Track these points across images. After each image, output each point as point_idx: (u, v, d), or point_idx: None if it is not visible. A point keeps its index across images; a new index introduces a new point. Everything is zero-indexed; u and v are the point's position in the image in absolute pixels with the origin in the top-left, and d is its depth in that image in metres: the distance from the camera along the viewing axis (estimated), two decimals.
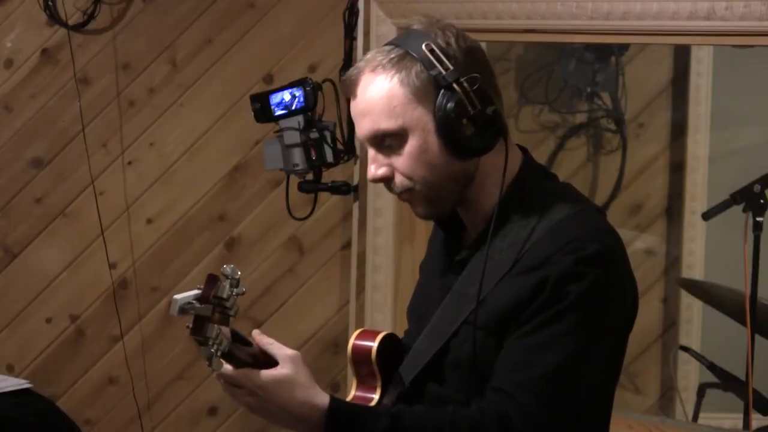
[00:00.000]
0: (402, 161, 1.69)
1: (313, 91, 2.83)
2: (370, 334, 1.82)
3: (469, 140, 1.66)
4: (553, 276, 1.62)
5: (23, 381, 2.80)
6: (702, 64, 3.66)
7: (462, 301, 1.72)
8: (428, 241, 1.95)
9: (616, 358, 1.74)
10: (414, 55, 1.67)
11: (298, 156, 2.88)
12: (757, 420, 2.94)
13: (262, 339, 1.75)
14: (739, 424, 2.94)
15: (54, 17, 3.45)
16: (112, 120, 3.50)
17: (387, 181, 1.72)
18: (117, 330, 3.53)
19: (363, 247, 3.28)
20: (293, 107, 2.84)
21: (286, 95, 2.85)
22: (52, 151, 3.54)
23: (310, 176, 2.95)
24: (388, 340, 1.82)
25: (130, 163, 3.51)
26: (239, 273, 1.63)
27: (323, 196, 3.20)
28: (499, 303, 1.66)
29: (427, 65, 1.66)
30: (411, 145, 1.68)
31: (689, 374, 3.63)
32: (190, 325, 1.58)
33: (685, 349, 3.33)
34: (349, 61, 3.27)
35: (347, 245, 3.38)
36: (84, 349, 3.58)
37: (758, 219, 2.82)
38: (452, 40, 1.69)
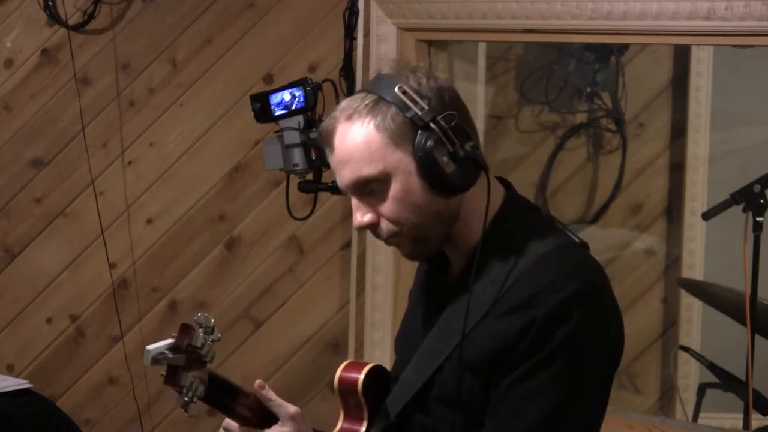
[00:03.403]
0: (386, 206, 1.69)
1: (313, 91, 2.82)
2: (357, 366, 1.83)
3: (451, 178, 1.65)
4: (540, 318, 1.62)
5: (23, 381, 2.80)
6: (702, 64, 3.66)
7: (446, 336, 1.72)
8: (416, 270, 1.95)
9: (603, 395, 1.71)
10: (387, 99, 1.66)
11: (298, 156, 2.88)
12: (757, 420, 2.94)
13: (264, 394, 1.76)
14: (739, 424, 2.94)
15: (54, 17, 3.46)
16: (112, 120, 3.50)
17: (373, 227, 1.72)
18: (117, 330, 3.53)
19: (363, 247, 3.28)
20: (293, 107, 2.84)
21: (286, 95, 2.85)
22: (52, 151, 3.54)
23: (310, 176, 2.95)
24: (375, 372, 1.83)
25: (130, 163, 3.51)
26: (213, 320, 1.65)
27: (323, 196, 3.19)
28: (485, 344, 1.66)
29: (402, 108, 1.65)
30: (394, 188, 1.67)
31: (689, 374, 3.63)
32: (164, 374, 1.61)
33: (685, 349, 3.32)
34: (349, 61, 3.27)
35: (347, 245, 3.38)
36: (84, 349, 3.58)
37: (758, 219, 2.82)
38: (423, 81, 1.68)
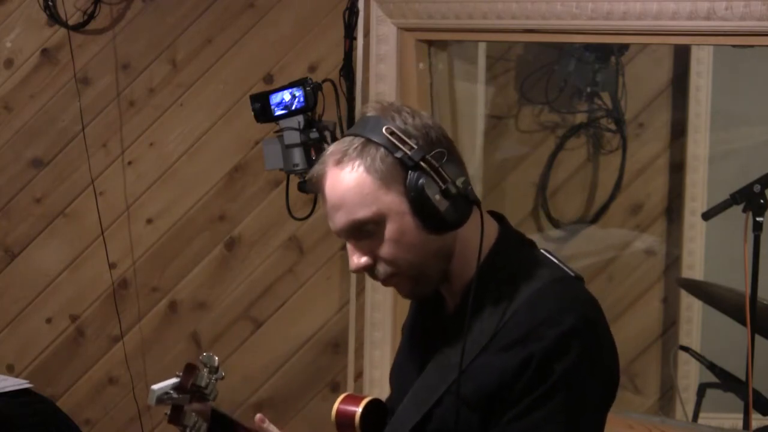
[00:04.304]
0: (382, 248, 1.69)
1: (313, 91, 2.83)
2: (355, 399, 1.83)
3: (445, 215, 1.65)
4: (537, 354, 1.61)
5: (23, 381, 2.80)
6: (702, 64, 3.66)
7: (444, 371, 1.71)
8: (410, 304, 1.94)
9: (600, 426, 1.72)
10: (375, 140, 1.66)
11: (298, 156, 2.88)
12: (757, 420, 2.94)
13: (266, 428, 1.78)
14: (739, 424, 2.94)
15: (54, 17, 3.46)
16: (112, 120, 3.50)
17: (370, 269, 1.72)
18: (117, 330, 3.53)
19: None
20: (293, 107, 2.84)
21: (286, 95, 2.85)
22: (52, 151, 3.54)
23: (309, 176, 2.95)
24: (372, 406, 1.83)
25: (130, 163, 3.51)
26: (217, 359, 1.68)
27: None
28: (483, 380, 1.66)
29: (391, 149, 1.66)
30: (389, 229, 1.67)
31: (689, 374, 3.63)
32: (168, 413, 1.64)
33: (685, 349, 3.32)
34: (349, 61, 3.27)
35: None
36: (84, 349, 3.58)
37: (758, 219, 2.81)
38: (409, 120, 1.69)
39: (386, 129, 1.66)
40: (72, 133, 3.52)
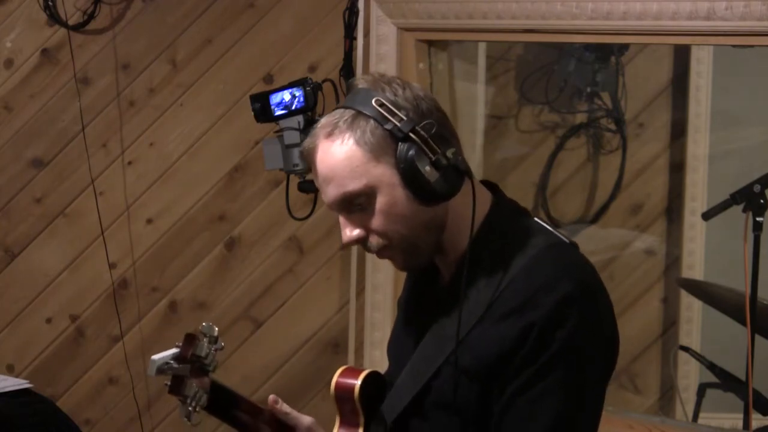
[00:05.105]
0: (374, 220, 1.69)
1: (313, 91, 2.83)
2: (354, 372, 1.83)
3: (436, 186, 1.65)
4: (538, 323, 1.61)
5: (23, 381, 2.80)
6: (702, 64, 3.66)
7: (441, 342, 1.72)
8: (405, 278, 1.94)
9: (601, 394, 1.72)
10: (365, 113, 1.66)
11: (298, 156, 2.88)
12: (757, 420, 2.94)
13: (280, 408, 1.80)
14: (739, 424, 2.94)
15: (54, 17, 3.46)
16: (112, 120, 3.50)
17: (362, 241, 1.72)
18: (117, 330, 3.53)
19: None
20: (293, 107, 2.84)
21: (286, 95, 2.85)
22: (52, 151, 3.54)
23: (309, 176, 2.95)
24: (371, 378, 1.83)
25: (130, 163, 3.51)
26: (217, 330, 1.67)
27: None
28: (481, 350, 1.66)
29: (380, 120, 1.66)
30: (380, 202, 1.68)
31: (689, 374, 3.63)
32: (169, 384, 1.63)
33: (685, 349, 3.32)
34: (349, 61, 3.27)
35: None
36: (84, 349, 3.58)
37: (758, 219, 2.82)
38: (399, 92, 1.69)
39: (376, 101, 1.66)
40: (72, 133, 3.52)
